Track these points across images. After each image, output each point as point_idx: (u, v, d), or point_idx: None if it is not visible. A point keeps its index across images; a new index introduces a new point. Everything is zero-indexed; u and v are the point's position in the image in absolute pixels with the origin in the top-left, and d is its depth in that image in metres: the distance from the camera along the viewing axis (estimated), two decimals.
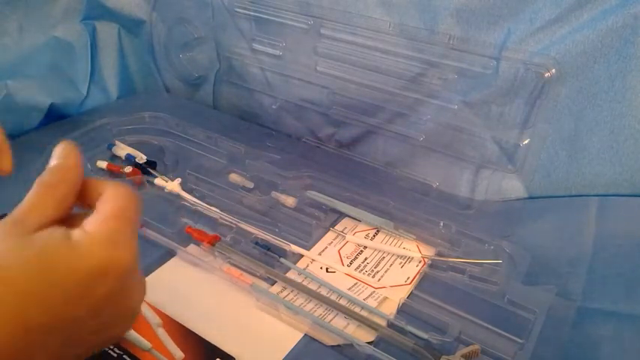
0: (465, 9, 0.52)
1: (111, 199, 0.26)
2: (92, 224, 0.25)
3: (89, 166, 0.61)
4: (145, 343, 0.39)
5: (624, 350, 0.40)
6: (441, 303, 0.45)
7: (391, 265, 0.50)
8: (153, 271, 0.47)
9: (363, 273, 0.49)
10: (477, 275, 0.48)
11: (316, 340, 0.42)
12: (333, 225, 0.55)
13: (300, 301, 0.45)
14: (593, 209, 0.53)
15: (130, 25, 0.79)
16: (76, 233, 0.24)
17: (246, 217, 0.54)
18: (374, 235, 0.54)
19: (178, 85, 0.83)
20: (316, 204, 0.57)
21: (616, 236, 0.49)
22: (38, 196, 0.26)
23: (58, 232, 0.24)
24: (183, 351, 0.39)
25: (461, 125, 0.58)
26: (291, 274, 0.48)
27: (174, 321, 0.42)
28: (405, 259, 0.51)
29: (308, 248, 0.51)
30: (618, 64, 0.48)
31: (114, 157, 0.65)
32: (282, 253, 0.50)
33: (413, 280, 0.48)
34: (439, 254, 0.51)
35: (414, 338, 0.41)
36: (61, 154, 0.28)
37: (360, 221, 0.56)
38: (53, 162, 0.28)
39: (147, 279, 0.29)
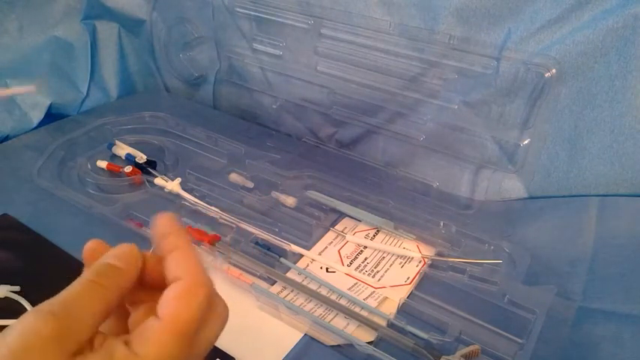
0: (465, 9, 0.52)
1: (177, 304, 0.23)
2: (145, 345, 0.22)
3: (89, 165, 0.61)
4: None
5: (624, 350, 0.40)
6: (441, 303, 0.45)
7: (391, 265, 0.50)
8: None
9: (363, 273, 0.49)
10: (477, 275, 0.48)
11: (316, 340, 0.42)
12: (333, 225, 0.55)
13: (300, 301, 0.45)
14: (593, 209, 0.53)
15: (130, 25, 0.79)
16: (121, 354, 0.21)
17: (246, 217, 0.54)
18: (374, 235, 0.54)
19: (178, 85, 0.83)
20: (316, 204, 0.57)
21: (616, 236, 0.49)
22: (85, 296, 0.22)
23: (100, 358, 0.21)
24: None
25: (461, 125, 0.58)
26: (291, 274, 0.48)
27: None
28: (405, 259, 0.51)
29: (308, 248, 0.51)
30: (618, 64, 0.48)
31: (114, 157, 0.65)
32: (282, 253, 0.50)
33: (413, 280, 0.48)
34: (439, 254, 0.51)
35: (414, 338, 0.41)
36: (122, 257, 0.24)
37: (360, 221, 0.56)
38: (110, 260, 0.24)
39: None
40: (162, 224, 0.26)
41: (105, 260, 0.24)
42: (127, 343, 0.22)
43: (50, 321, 0.20)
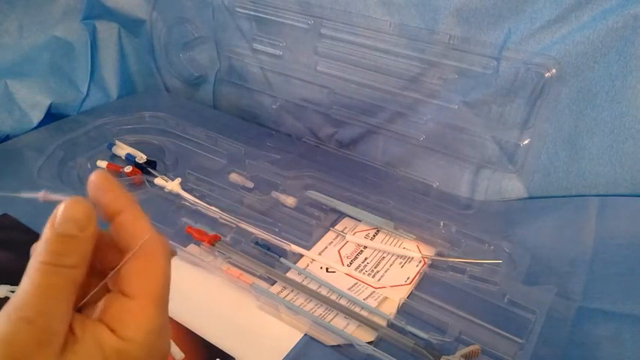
0: (465, 9, 0.52)
1: (147, 278, 0.22)
2: (130, 328, 0.21)
3: (89, 165, 0.61)
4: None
5: (624, 350, 0.40)
6: (441, 303, 0.45)
7: (391, 265, 0.50)
8: None
9: (363, 273, 0.49)
10: (477, 275, 0.48)
11: (316, 340, 0.42)
12: (333, 225, 0.55)
13: (300, 301, 0.45)
14: (593, 209, 0.53)
15: (130, 25, 0.79)
16: (112, 345, 0.21)
17: (246, 217, 0.54)
18: (374, 235, 0.54)
19: (178, 85, 0.83)
20: (316, 204, 0.57)
21: (616, 236, 0.49)
22: (53, 286, 0.20)
23: (91, 348, 0.20)
24: (183, 351, 0.39)
25: (461, 125, 0.58)
26: (291, 274, 0.48)
27: (174, 321, 0.42)
28: (405, 259, 0.51)
29: (308, 248, 0.51)
30: (618, 64, 0.48)
31: (114, 157, 0.65)
32: (282, 253, 0.50)
33: (413, 280, 0.48)
34: (439, 254, 0.51)
35: (414, 338, 0.41)
36: (77, 220, 0.21)
37: (360, 221, 0.56)
38: (63, 228, 0.21)
39: None
40: (99, 183, 0.23)
41: (59, 229, 0.21)
42: (112, 330, 0.21)
43: (29, 330, 0.19)
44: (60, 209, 0.21)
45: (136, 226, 0.23)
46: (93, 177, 0.23)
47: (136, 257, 0.22)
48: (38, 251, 0.21)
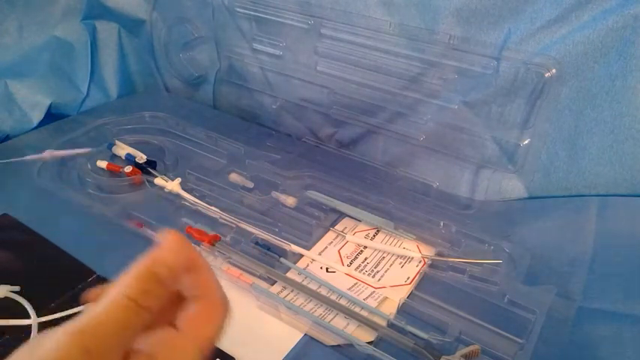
0: (465, 9, 0.52)
1: (203, 323, 0.23)
2: None
3: (89, 165, 0.61)
4: None
5: (624, 350, 0.40)
6: (441, 303, 0.45)
7: (391, 265, 0.50)
8: None
9: (363, 273, 0.49)
10: (477, 275, 0.48)
11: (316, 340, 0.42)
12: (333, 225, 0.55)
13: (300, 301, 0.45)
14: (593, 209, 0.53)
15: (130, 25, 0.79)
16: None
17: (246, 217, 0.54)
18: (374, 235, 0.54)
19: (178, 85, 0.83)
20: (316, 204, 0.57)
21: (616, 236, 0.50)
22: (122, 321, 0.20)
23: None
24: None
25: (461, 125, 0.58)
26: (291, 274, 0.48)
27: None
28: (405, 259, 0.51)
29: (308, 248, 0.51)
30: (618, 64, 0.48)
31: (114, 157, 0.65)
32: (282, 252, 0.50)
33: (413, 280, 0.48)
34: (439, 254, 0.51)
35: (414, 338, 0.41)
36: (175, 266, 0.22)
37: (360, 221, 0.56)
38: (160, 269, 0.21)
39: None
40: (175, 242, 0.23)
41: (158, 271, 0.21)
42: None
43: (85, 356, 0.19)
44: (166, 250, 0.21)
45: (212, 282, 0.24)
46: (175, 236, 0.23)
47: (201, 304, 0.23)
48: (127, 283, 0.20)
